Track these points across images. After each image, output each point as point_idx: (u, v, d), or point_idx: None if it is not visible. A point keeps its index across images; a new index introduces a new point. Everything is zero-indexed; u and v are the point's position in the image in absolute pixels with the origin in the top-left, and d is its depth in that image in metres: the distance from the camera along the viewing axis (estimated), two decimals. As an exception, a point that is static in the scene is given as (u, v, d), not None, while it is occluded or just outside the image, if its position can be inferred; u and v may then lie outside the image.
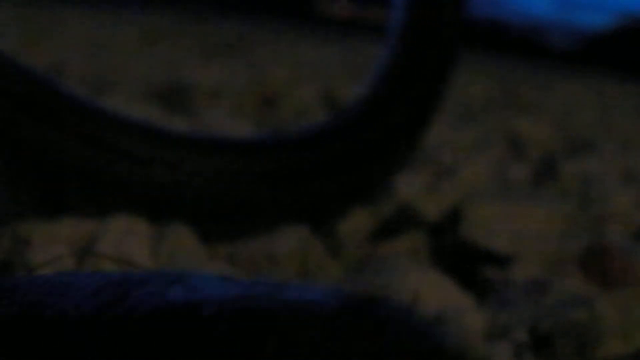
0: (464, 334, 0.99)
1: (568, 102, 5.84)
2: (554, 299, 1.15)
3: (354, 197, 1.45)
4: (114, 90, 2.94)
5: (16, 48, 3.85)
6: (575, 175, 2.37)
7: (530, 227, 1.51)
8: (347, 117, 1.42)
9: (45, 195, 1.25)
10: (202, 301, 0.61)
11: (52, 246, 1.17)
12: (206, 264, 1.16)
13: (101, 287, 0.63)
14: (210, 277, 0.68)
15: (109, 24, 6.78)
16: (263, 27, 9.76)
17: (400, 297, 1.13)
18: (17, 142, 1.17)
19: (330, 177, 1.38)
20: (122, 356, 0.59)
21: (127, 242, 1.18)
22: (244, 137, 1.37)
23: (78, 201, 1.24)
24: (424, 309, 1.13)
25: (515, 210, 1.52)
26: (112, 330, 0.60)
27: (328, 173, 1.38)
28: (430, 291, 1.14)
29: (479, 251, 1.44)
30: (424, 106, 1.49)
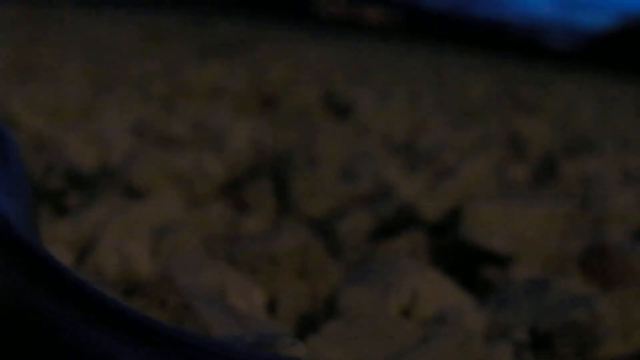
0: (463, 333, 0.99)
1: (568, 102, 5.84)
2: (554, 299, 1.15)
3: None
4: (114, 90, 2.94)
5: (17, 48, 3.85)
6: (575, 175, 2.37)
7: (530, 227, 1.51)
8: None
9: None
10: None
11: (52, 246, 1.17)
12: (206, 263, 1.16)
13: None
14: None
15: (109, 24, 6.77)
16: (263, 27, 9.74)
17: (400, 296, 1.13)
18: None
19: None
20: None
21: (127, 242, 1.18)
22: None
23: None
24: (423, 308, 1.13)
25: (515, 210, 1.52)
26: None
27: None
28: (430, 291, 1.14)
29: (479, 251, 1.44)
30: None
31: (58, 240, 1.22)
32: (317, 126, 2.72)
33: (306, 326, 1.14)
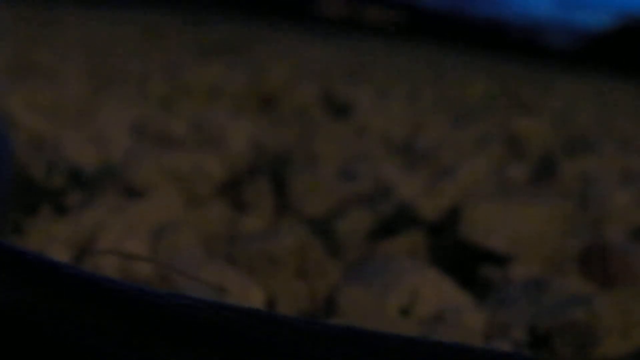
0: (463, 332, 0.99)
1: (568, 102, 5.84)
2: (552, 299, 1.15)
3: None
4: (113, 89, 2.94)
5: (17, 48, 3.85)
6: (575, 175, 2.37)
7: (530, 227, 1.50)
8: None
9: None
10: None
11: (52, 246, 1.17)
12: (206, 263, 1.16)
13: None
14: None
15: (109, 23, 6.77)
16: (262, 27, 9.74)
17: (400, 296, 1.13)
18: None
19: None
20: None
21: (127, 242, 1.18)
22: None
23: None
24: (423, 307, 1.13)
25: (515, 210, 1.52)
26: None
27: None
28: (430, 290, 1.14)
29: (478, 251, 1.44)
30: None
31: (58, 240, 1.22)
32: (316, 126, 2.72)
33: (305, 325, 1.13)
